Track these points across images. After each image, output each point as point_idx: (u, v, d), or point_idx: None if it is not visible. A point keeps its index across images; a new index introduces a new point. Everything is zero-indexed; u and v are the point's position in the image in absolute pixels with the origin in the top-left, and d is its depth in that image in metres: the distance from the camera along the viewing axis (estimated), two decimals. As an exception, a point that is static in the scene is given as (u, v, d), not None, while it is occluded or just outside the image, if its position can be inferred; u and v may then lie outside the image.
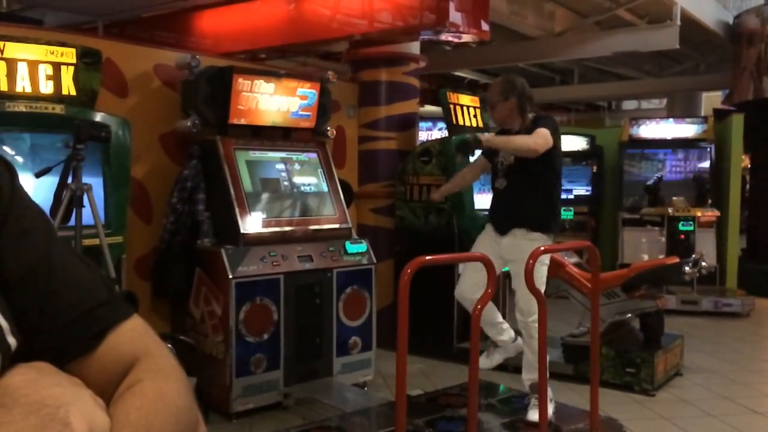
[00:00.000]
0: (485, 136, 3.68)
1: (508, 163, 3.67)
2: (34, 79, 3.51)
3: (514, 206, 3.63)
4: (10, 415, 0.52)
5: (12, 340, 0.61)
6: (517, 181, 3.65)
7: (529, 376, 3.65)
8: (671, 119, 8.91)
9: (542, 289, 3.44)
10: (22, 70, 3.48)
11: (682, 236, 7.39)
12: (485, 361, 3.89)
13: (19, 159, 3.44)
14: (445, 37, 5.32)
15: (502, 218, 3.69)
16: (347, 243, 4.37)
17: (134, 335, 0.70)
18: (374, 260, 4.48)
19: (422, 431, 3.37)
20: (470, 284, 3.65)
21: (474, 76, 12.32)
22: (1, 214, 0.66)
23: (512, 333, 3.92)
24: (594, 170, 8.56)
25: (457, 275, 5.06)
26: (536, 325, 3.37)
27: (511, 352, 3.93)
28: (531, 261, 3.11)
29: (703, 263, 5.25)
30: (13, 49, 3.45)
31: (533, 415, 3.52)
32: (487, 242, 3.75)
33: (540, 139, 3.45)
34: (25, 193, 0.71)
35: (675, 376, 4.83)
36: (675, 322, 5.80)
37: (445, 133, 6.26)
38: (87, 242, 3.26)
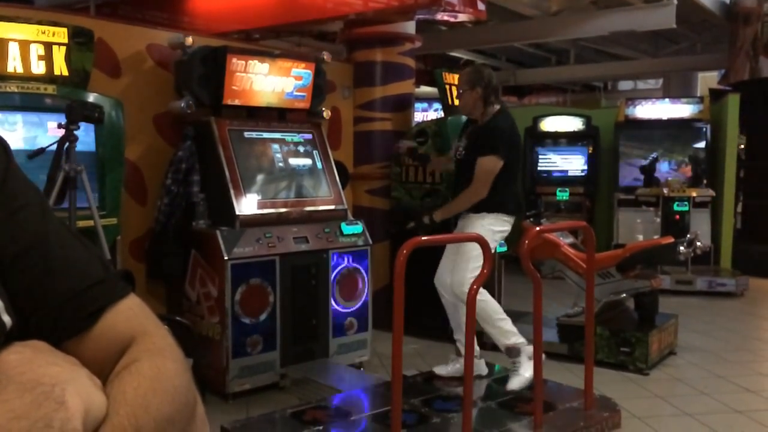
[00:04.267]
0: (438, 215, 3.87)
1: (459, 156, 3.86)
2: (25, 59, 3.47)
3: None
4: (5, 393, 0.52)
5: (7, 319, 0.60)
6: (466, 171, 3.81)
7: (506, 341, 3.72)
8: (667, 99, 8.88)
9: (472, 264, 3.56)
10: (14, 50, 3.44)
11: (677, 216, 7.40)
12: (443, 369, 3.94)
13: (11, 140, 3.42)
14: (440, 16, 5.28)
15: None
16: (343, 224, 4.36)
17: (131, 314, 0.69)
18: (370, 241, 4.48)
19: (418, 411, 3.40)
20: (441, 267, 3.89)
21: (470, 57, 12.28)
22: None
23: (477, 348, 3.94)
24: (590, 151, 8.55)
25: (453, 256, 5.09)
26: (464, 297, 3.43)
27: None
28: (527, 241, 3.12)
29: (698, 243, 5.26)
30: (4, 29, 3.41)
31: (511, 383, 3.63)
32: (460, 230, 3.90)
33: (480, 184, 3.69)
34: (20, 171, 0.70)
35: (669, 355, 4.87)
36: (669, 302, 5.82)
37: (440, 114, 6.24)
38: (81, 224, 3.25)
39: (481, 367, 3.93)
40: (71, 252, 0.68)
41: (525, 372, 3.62)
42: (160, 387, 0.61)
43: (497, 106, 3.81)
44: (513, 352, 3.70)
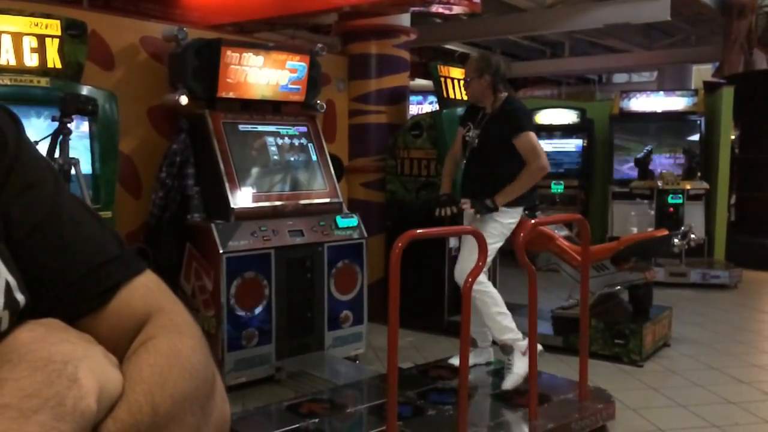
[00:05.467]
0: (500, 199, 3.64)
1: (473, 146, 3.75)
2: (18, 51, 3.45)
3: (481, 184, 3.70)
4: (16, 371, 0.51)
5: (20, 297, 0.59)
6: (483, 161, 3.76)
7: (500, 336, 3.68)
8: (662, 92, 8.89)
9: (493, 252, 3.55)
10: (6, 42, 3.42)
11: (671, 209, 7.42)
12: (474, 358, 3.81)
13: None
14: (435, 8, 5.27)
15: (472, 196, 3.75)
16: (338, 217, 4.36)
17: (147, 291, 0.67)
18: (365, 234, 4.47)
19: (413, 403, 3.40)
20: (466, 266, 3.51)
21: (465, 49, 12.26)
22: (7, 167, 0.63)
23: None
24: (584, 144, 8.56)
25: (448, 249, 5.09)
26: (479, 287, 3.47)
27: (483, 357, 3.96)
28: (522, 234, 3.12)
29: (692, 235, 5.30)
30: (-5, 21, 3.38)
31: (505, 383, 3.56)
32: (468, 221, 3.80)
33: (539, 158, 3.58)
34: (32, 145, 0.68)
35: (663, 347, 4.89)
36: (663, 294, 5.85)
37: (435, 107, 6.23)
38: (76, 217, 3.23)
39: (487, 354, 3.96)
40: (86, 228, 0.67)
41: (519, 370, 3.55)
42: (177, 364, 0.60)
43: (506, 94, 3.74)
44: (506, 349, 3.66)
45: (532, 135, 3.63)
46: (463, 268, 3.55)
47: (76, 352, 0.54)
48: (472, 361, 3.83)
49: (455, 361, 3.81)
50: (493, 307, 3.68)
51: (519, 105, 3.79)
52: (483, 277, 3.54)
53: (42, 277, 0.63)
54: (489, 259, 3.47)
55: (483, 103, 3.79)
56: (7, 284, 0.59)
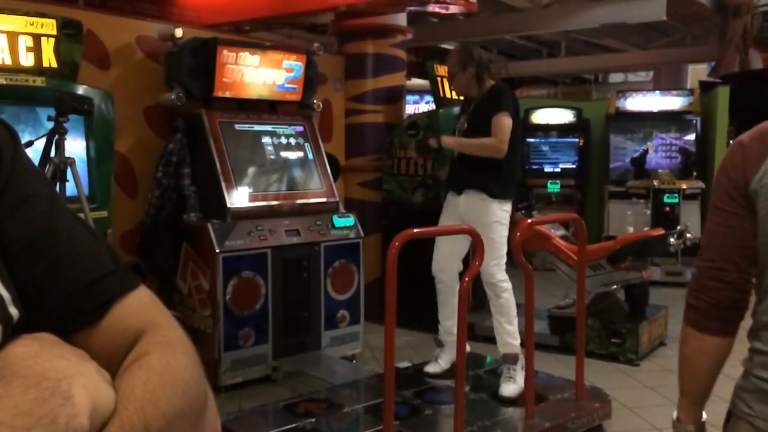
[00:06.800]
0: (447, 140, 3.77)
1: (462, 130, 3.75)
2: (13, 50, 3.44)
3: (468, 171, 3.68)
4: (9, 388, 0.50)
5: (14, 311, 0.59)
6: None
7: (504, 343, 3.61)
8: (657, 92, 8.90)
9: (504, 249, 3.55)
10: (1, 41, 3.41)
11: (668, 208, 7.43)
12: (435, 366, 3.83)
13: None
14: (431, 8, 5.28)
15: (458, 181, 3.75)
16: (335, 217, 4.36)
17: (141, 306, 0.68)
18: (362, 234, 4.47)
19: (410, 402, 3.41)
20: (442, 254, 3.80)
21: (461, 49, 12.25)
22: (3, 181, 0.63)
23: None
24: (580, 143, 8.56)
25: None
26: (504, 285, 3.56)
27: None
28: (519, 233, 3.13)
29: (688, 235, 5.29)
30: (-9, 21, 3.37)
31: (506, 389, 3.47)
32: (450, 209, 3.79)
33: (500, 139, 3.54)
34: (28, 158, 0.68)
35: (659, 346, 4.90)
36: (659, 294, 5.85)
37: (432, 107, 6.23)
38: (71, 217, 3.23)
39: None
40: (80, 242, 0.67)
41: (520, 381, 3.46)
42: (170, 381, 0.60)
43: (492, 82, 3.75)
44: (512, 358, 3.57)
45: (507, 117, 3.55)
46: (485, 262, 3.50)
47: (69, 368, 0.54)
48: (448, 363, 3.80)
49: (430, 368, 3.84)
50: (513, 309, 3.64)
51: (505, 89, 3.76)
52: (505, 275, 3.60)
53: (36, 291, 0.63)
54: (504, 249, 3.56)
55: (470, 95, 3.81)
56: (1, 298, 0.58)
